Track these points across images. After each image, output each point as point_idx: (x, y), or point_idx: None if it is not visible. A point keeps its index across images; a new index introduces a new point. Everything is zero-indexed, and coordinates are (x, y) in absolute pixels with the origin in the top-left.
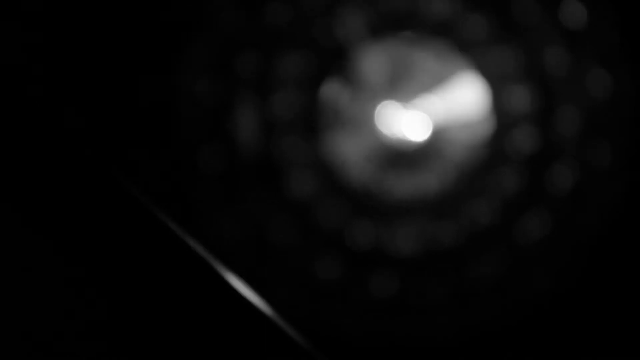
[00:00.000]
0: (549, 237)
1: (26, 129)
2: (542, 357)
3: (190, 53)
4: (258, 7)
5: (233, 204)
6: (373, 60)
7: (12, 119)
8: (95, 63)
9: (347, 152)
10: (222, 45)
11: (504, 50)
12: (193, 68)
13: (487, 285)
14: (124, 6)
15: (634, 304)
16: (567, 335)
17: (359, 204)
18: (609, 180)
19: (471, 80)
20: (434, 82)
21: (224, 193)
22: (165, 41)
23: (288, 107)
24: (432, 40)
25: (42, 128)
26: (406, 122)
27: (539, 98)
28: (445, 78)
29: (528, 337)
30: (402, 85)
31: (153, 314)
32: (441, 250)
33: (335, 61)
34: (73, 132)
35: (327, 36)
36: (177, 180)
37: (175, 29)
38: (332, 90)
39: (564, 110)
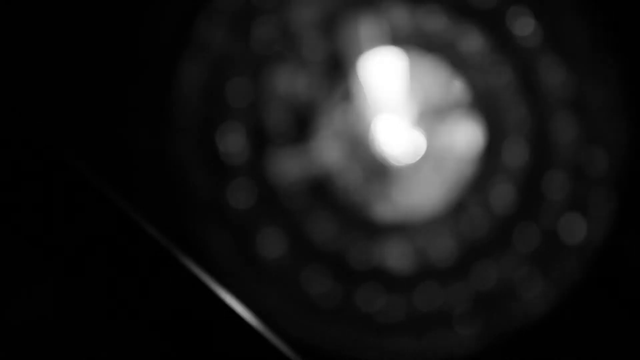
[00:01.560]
0: (545, 247)
1: (25, 154)
2: None
3: (183, 72)
4: (249, 22)
5: (225, 217)
6: (367, 76)
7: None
8: (87, 88)
9: (341, 167)
10: (215, 62)
11: (499, 64)
12: (186, 87)
13: (483, 300)
14: (119, 28)
15: (631, 314)
16: (564, 347)
17: (351, 220)
18: (604, 189)
19: (466, 94)
20: (428, 97)
21: (215, 207)
22: (158, 62)
23: (281, 123)
24: (428, 56)
25: (40, 148)
26: (401, 137)
27: (533, 110)
28: (440, 93)
29: (525, 351)
30: (397, 101)
31: (145, 328)
32: (435, 266)
33: (329, 77)
34: (70, 157)
35: (321, 52)
36: (169, 193)
37: (167, 49)
38: (325, 106)
39: (559, 121)
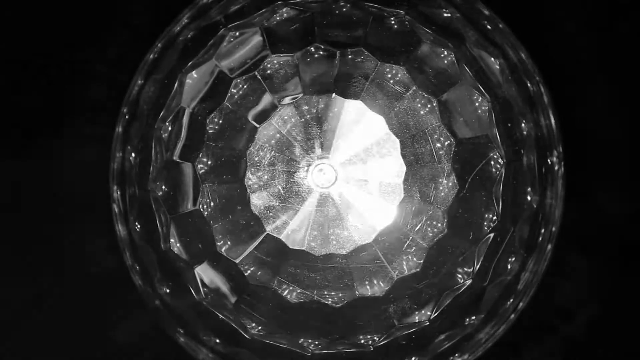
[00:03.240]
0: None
1: None
2: None
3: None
4: None
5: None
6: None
7: None
8: None
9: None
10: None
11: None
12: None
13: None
14: None
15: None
16: None
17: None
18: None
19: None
20: (356, 137)
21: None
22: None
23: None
24: (353, 98)
25: None
26: (334, 178)
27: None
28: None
29: None
30: (327, 146)
31: None
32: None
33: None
34: None
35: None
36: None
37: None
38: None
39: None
